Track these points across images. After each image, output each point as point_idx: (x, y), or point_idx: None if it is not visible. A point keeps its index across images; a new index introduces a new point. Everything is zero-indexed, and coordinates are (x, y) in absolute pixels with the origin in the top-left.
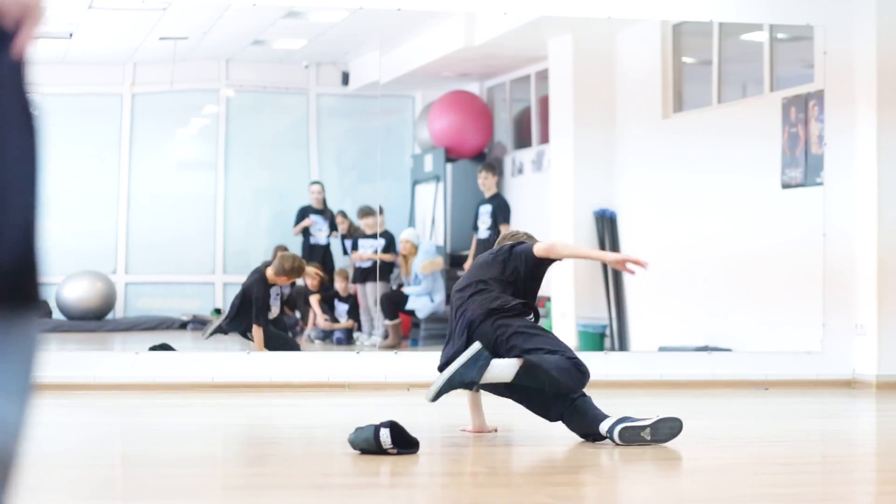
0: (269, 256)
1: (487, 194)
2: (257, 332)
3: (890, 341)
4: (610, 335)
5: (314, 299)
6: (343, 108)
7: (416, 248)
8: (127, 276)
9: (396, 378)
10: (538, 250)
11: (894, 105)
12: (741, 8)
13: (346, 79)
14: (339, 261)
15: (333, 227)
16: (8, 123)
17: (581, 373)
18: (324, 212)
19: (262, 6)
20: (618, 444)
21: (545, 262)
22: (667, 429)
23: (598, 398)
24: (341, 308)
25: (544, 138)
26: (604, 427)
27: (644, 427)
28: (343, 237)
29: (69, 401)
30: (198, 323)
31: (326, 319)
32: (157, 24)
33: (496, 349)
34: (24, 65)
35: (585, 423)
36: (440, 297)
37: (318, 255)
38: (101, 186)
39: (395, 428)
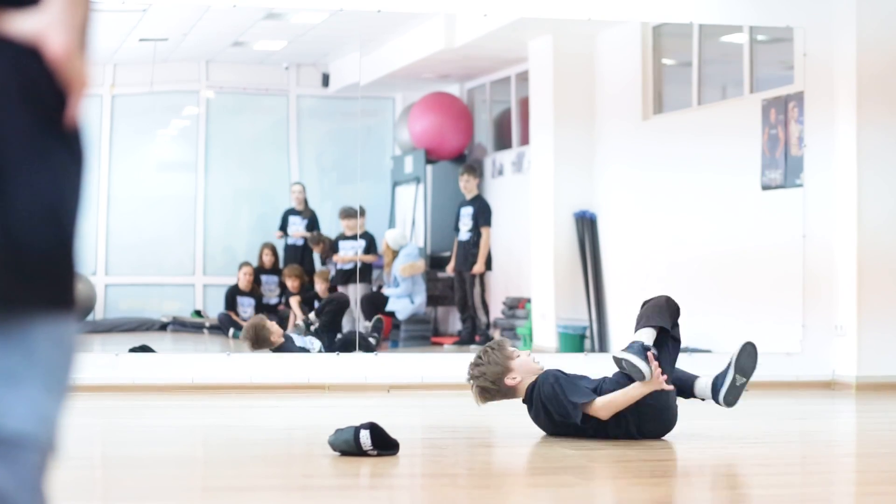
0: (251, 258)
1: (468, 196)
2: None
3: (869, 342)
4: (590, 336)
5: (294, 301)
6: (323, 110)
7: (395, 253)
8: (107, 277)
9: (376, 379)
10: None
11: (874, 107)
12: (721, 10)
13: (326, 80)
14: (318, 266)
15: (314, 227)
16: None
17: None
18: (302, 212)
19: (242, 7)
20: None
21: None
22: (746, 358)
23: None
24: None
25: (524, 140)
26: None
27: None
28: (321, 255)
29: None
30: (178, 324)
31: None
32: (136, 25)
33: None
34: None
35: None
36: (420, 298)
37: (296, 255)
38: None
39: (375, 429)
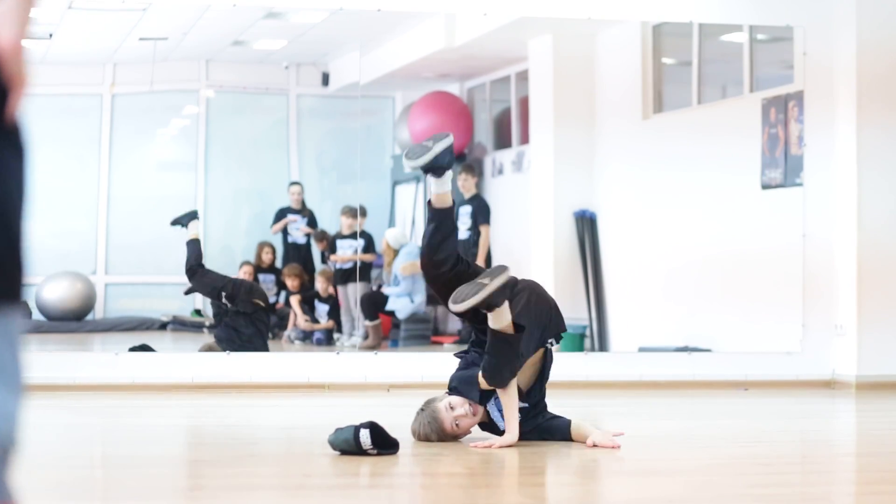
0: (251, 256)
1: (467, 195)
2: None
3: (869, 342)
4: (590, 335)
5: (294, 300)
6: (323, 109)
7: (395, 251)
8: (107, 276)
9: (376, 379)
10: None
11: (874, 106)
12: (721, 9)
13: (326, 79)
14: (319, 265)
15: (312, 225)
16: None
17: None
18: (302, 211)
19: (242, 7)
20: None
21: None
22: None
23: (578, 399)
24: (321, 309)
25: (524, 139)
26: None
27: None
28: (322, 252)
29: (49, 401)
30: (177, 324)
31: (307, 320)
32: (136, 24)
33: None
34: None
35: None
36: (420, 297)
37: (298, 254)
38: (80, 187)
39: (375, 428)
